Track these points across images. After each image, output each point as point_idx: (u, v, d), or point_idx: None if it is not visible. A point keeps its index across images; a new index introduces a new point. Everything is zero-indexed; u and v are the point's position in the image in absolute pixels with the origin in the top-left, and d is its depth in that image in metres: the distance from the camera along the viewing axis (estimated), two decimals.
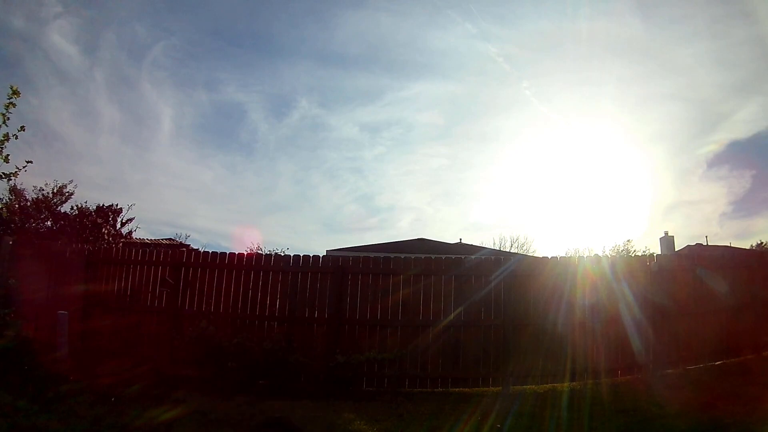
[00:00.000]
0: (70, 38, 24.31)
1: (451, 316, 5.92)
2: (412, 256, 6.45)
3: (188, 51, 28.77)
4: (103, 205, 14.38)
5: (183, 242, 17.95)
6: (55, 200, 14.01)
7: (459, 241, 24.54)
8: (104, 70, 25.89)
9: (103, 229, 13.40)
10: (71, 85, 26.47)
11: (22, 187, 13.21)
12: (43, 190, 13.77)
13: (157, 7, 25.32)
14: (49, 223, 13.66)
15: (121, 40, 25.22)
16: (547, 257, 6.57)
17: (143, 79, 27.71)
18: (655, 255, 7.40)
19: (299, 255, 6.27)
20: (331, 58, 33.30)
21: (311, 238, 40.32)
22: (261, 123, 38.58)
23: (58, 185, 14.12)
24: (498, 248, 27.95)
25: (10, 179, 4.90)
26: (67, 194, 14.22)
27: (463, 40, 32.28)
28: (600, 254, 23.17)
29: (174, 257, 6.59)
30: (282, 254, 7.38)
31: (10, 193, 12.34)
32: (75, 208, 13.80)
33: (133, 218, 15.13)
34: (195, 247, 14.44)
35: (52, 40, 22.87)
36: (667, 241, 22.25)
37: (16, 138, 4.70)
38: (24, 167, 4.88)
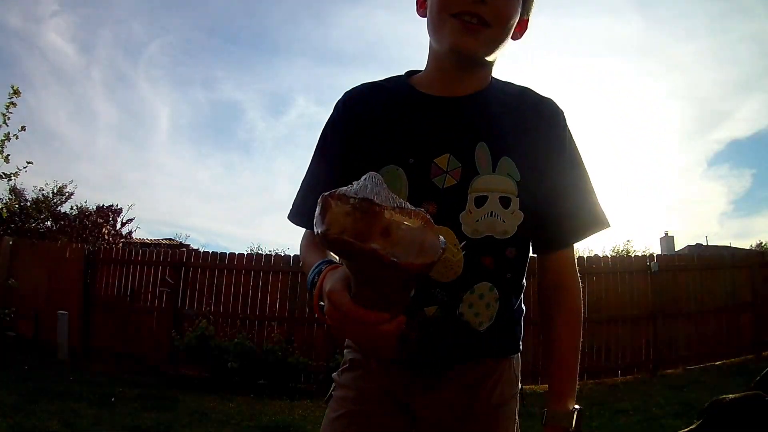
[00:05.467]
0: (66, 36, 24.25)
1: None
2: None
3: (184, 49, 28.71)
4: (103, 205, 14.35)
5: (183, 242, 17.94)
6: (55, 200, 14.00)
7: None
8: (101, 68, 25.78)
9: (103, 229, 13.39)
10: (68, 84, 26.39)
11: (22, 187, 13.20)
12: (43, 190, 13.75)
13: (152, 4, 25.29)
14: (49, 223, 13.65)
15: (117, 39, 25.14)
16: None
17: (140, 78, 27.60)
18: (655, 255, 7.40)
19: (299, 255, 6.26)
20: (328, 56, 33.28)
21: None
22: (258, 121, 38.46)
23: (58, 185, 14.11)
24: None
25: (11, 179, 4.90)
26: (67, 194, 14.20)
27: None
28: (600, 254, 23.15)
29: (174, 257, 6.59)
30: (282, 254, 7.38)
31: (10, 193, 12.33)
32: (75, 208, 13.80)
33: (134, 218, 15.10)
34: (195, 247, 14.42)
35: (48, 39, 22.78)
36: (667, 241, 22.25)
37: (17, 138, 4.70)
38: (24, 167, 4.89)
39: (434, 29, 0.79)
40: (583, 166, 0.87)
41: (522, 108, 0.84)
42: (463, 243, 0.77)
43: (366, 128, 0.83)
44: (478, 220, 0.77)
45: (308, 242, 0.95)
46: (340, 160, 0.85)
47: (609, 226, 0.85)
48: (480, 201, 0.77)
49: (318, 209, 0.51)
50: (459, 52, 0.77)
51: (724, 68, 28.93)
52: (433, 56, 0.84)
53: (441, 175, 0.77)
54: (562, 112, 0.86)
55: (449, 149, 0.78)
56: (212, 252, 6.46)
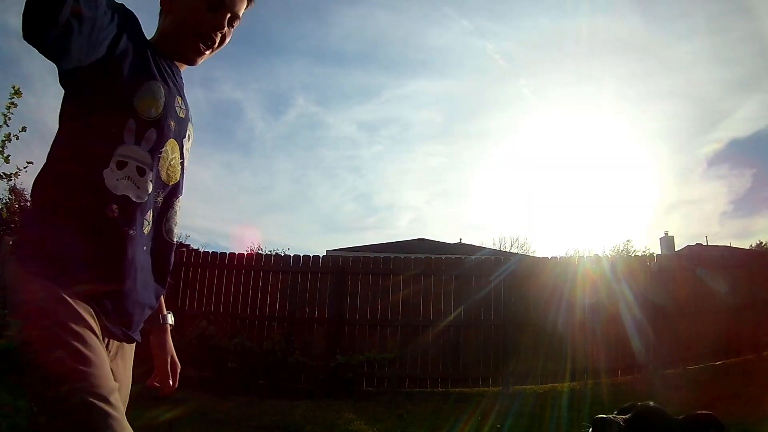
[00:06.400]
0: None
1: (451, 316, 5.92)
2: (412, 256, 6.45)
3: None
4: None
5: (183, 242, 17.92)
6: None
7: (459, 241, 24.56)
8: None
9: None
10: None
11: (22, 187, 13.20)
12: None
13: (152, 4, 25.30)
14: None
15: None
16: (547, 257, 6.58)
17: None
18: (655, 255, 7.42)
19: (299, 255, 6.28)
20: (328, 56, 33.41)
21: (310, 238, 40.39)
22: (258, 121, 38.63)
23: None
24: (498, 248, 27.96)
25: (11, 179, 4.88)
26: None
27: (460, 37, 32.37)
28: (600, 254, 23.18)
29: (174, 257, 6.59)
30: (282, 254, 7.39)
31: (10, 193, 12.33)
32: None
33: None
34: (195, 247, 14.41)
35: None
36: (667, 241, 22.28)
37: (17, 138, 4.68)
38: (25, 167, 4.86)
39: (177, 35, 1.11)
40: None
41: None
42: (181, 160, 1.10)
43: (139, 48, 1.02)
44: (188, 150, 1.14)
45: None
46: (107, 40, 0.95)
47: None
48: (188, 138, 1.14)
49: None
50: (187, 61, 1.15)
51: (724, 68, 28.95)
52: (166, 38, 1.12)
53: (179, 107, 1.09)
54: None
55: (180, 95, 1.11)
56: (212, 252, 6.46)
